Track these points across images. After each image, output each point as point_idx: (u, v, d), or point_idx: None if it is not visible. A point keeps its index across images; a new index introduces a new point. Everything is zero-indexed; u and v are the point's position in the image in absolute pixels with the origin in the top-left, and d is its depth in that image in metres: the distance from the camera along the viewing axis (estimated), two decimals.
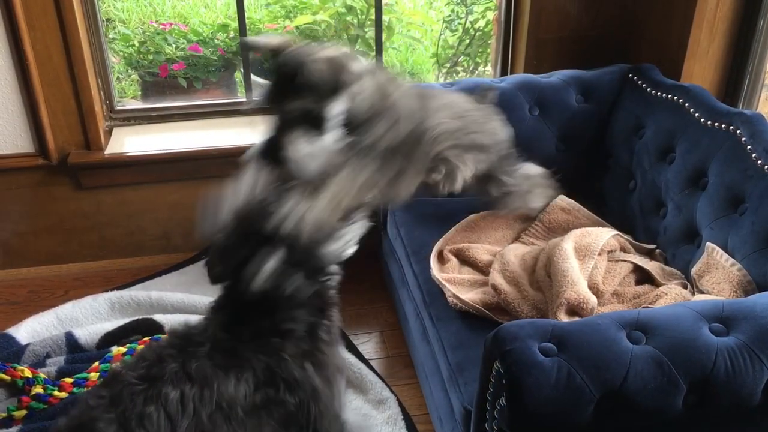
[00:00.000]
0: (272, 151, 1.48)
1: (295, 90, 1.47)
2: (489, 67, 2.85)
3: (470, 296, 1.85)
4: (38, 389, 2.04)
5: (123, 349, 2.19)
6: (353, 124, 1.57)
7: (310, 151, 1.48)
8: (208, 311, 1.50)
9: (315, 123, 1.49)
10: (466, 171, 1.88)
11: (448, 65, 3.76)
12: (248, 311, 1.42)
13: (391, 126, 1.60)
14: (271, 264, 1.36)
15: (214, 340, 1.38)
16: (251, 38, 1.62)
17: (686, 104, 2.05)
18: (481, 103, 2.02)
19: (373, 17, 2.86)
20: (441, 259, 2.05)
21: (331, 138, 1.52)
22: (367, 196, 1.60)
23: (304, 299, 1.43)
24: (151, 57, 3.29)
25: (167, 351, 1.35)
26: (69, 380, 2.08)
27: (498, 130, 2.00)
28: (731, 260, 1.71)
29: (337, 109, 1.52)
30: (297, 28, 3.50)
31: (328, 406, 1.45)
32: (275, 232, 1.36)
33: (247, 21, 2.67)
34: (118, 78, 3.55)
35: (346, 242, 1.49)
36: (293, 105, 1.46)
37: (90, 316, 2.40)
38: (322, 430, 1.43)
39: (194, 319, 2.31)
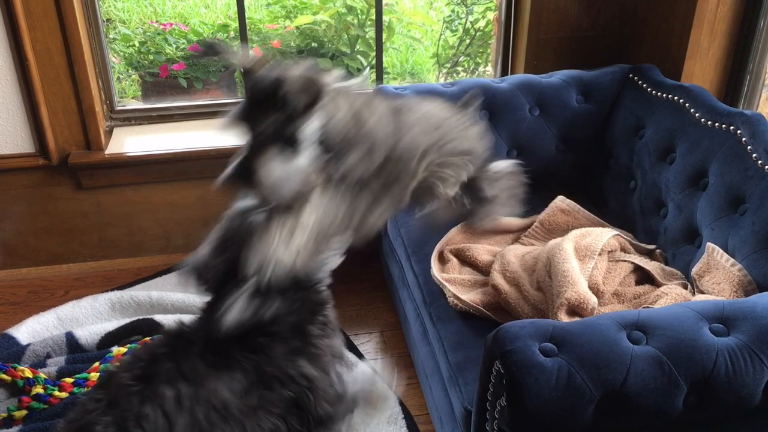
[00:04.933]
0: (245, 173, 1.39)
1: (269, 108, 1.39)
2: (489, 67, 2.84)
3: (470, 296, 1.85)
4: (38, 389, 2.04)
5: (123, 350, 2.19)
6: (328, 145, 1.48)
7: (284, 172, 1.40)
8: (201, 309, 1.48)
9: (289, 142, 1.41)
10: (449, 184, 1.75)
11: (448, 65, 3.76)
12: None
13: (365, 155, 1.52)
14: (240, 303, 1.33)
15: (206, 339, 1.37)
16: (220, 44, 1.51)
17: (687, 104, 2.05)
18: (464, 111, 1.89)
19: (374, 17, 2.86)
20: (441, 259, 2.04)
21: (306, 158, 1.44)
22: (344, 229, 1.52)
23: (289, 311, 1.43)
24: (151, 57, 3.29)
25: (161, 350, 1.34)
26: (69, 380, 2.08)
27: (476, 135, 1.86)
28: (732, 260, 1.71)
29: (311, 127, 1.44)
30: (297, 28, 3.50)
31: (327, 391, 1.45)
32: (251, 274, 1.31)
33: (247, 21, 2.67)
34: (118, 78, 3.55)
35: (326, 264, 1.48)
36: (267, 123, 1.39)
37: (90, 316, 2.39)
38: (324, 414, 1.43)
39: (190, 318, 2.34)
